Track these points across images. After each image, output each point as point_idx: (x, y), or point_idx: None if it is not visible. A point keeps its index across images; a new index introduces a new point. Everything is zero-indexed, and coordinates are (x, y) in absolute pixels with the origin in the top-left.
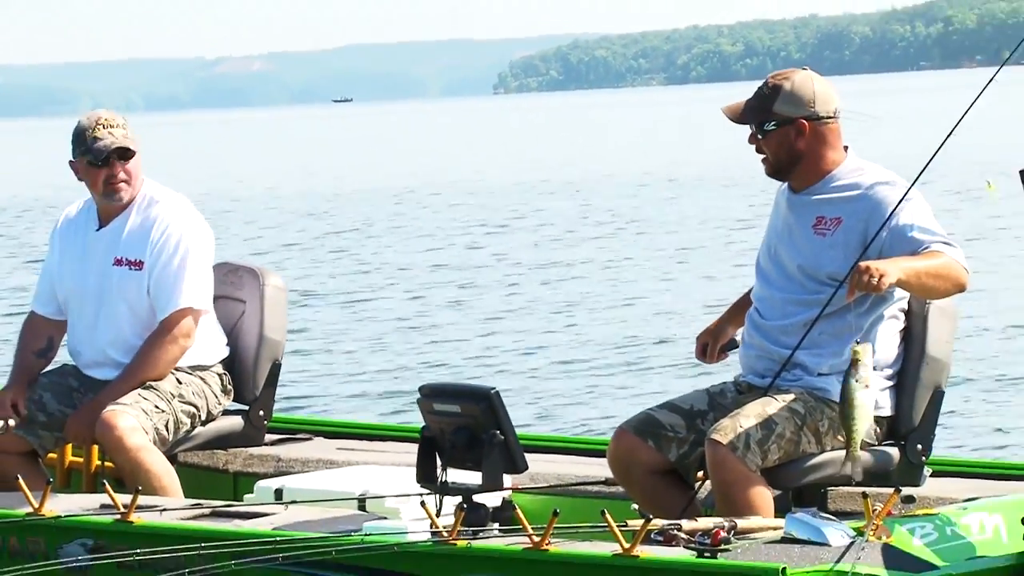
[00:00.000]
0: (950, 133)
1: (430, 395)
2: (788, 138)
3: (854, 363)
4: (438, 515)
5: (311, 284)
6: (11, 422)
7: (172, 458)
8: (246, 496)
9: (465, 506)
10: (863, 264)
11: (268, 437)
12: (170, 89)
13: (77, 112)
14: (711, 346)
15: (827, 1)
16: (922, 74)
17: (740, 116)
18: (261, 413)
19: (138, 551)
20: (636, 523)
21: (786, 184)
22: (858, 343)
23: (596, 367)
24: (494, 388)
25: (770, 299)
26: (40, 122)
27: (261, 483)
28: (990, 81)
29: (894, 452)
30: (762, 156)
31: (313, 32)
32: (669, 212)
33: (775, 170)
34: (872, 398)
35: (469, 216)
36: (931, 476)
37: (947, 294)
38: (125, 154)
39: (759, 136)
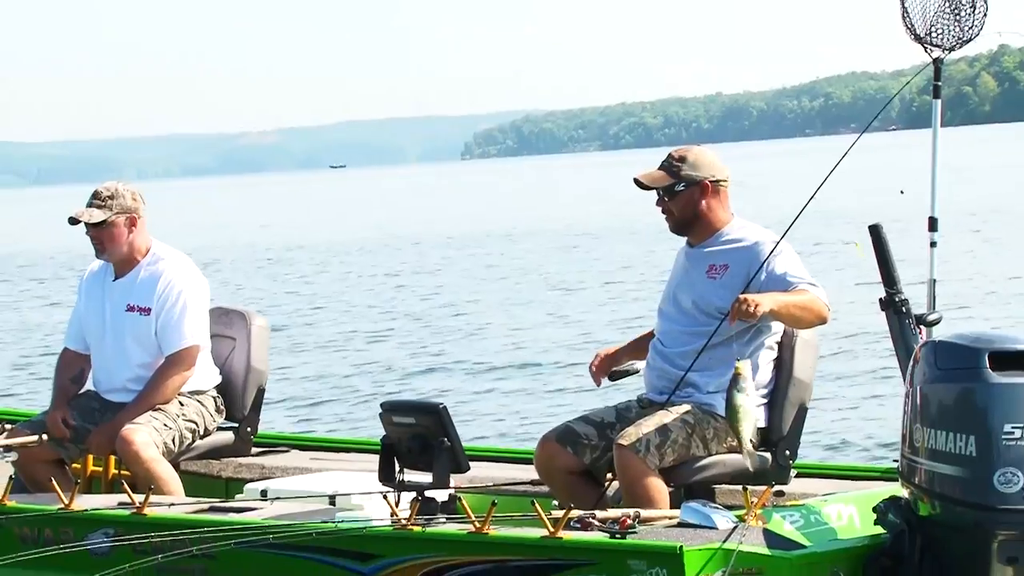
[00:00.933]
0: (813, 195)
1: (390, 409)
2: (694, 197)
3: (736, 377)
4: (397, 506)
5: (293, 322)
6: (43, 436)
7: (175, 466)
8: (236, 496)
9: (419, 499)
10: (742, 296)
11: (254, 449)
12: (201, 159)
13: (125, 179)
14: (606, 365)
15: (729, 81)
16: (807, 140)
17: (653, 183)
18: (248, 429)
19: (152, 534)
20: (559, 513)
21: (685, 243)
22: (739, 360)
23: (525, 386)
24: (443, 403)
25: (670, 331)
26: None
27: (249, 485)
28: (847, 152)
29: (767, 456)
30: (666, 216)
31: (314, 110)
32: (597, 257)
33: (678, 226)
34: (753, 404)
35: (437, 259)
36: (796, 476)
37: (811, 325)
38: (79, 221)
39: (666, 199)
